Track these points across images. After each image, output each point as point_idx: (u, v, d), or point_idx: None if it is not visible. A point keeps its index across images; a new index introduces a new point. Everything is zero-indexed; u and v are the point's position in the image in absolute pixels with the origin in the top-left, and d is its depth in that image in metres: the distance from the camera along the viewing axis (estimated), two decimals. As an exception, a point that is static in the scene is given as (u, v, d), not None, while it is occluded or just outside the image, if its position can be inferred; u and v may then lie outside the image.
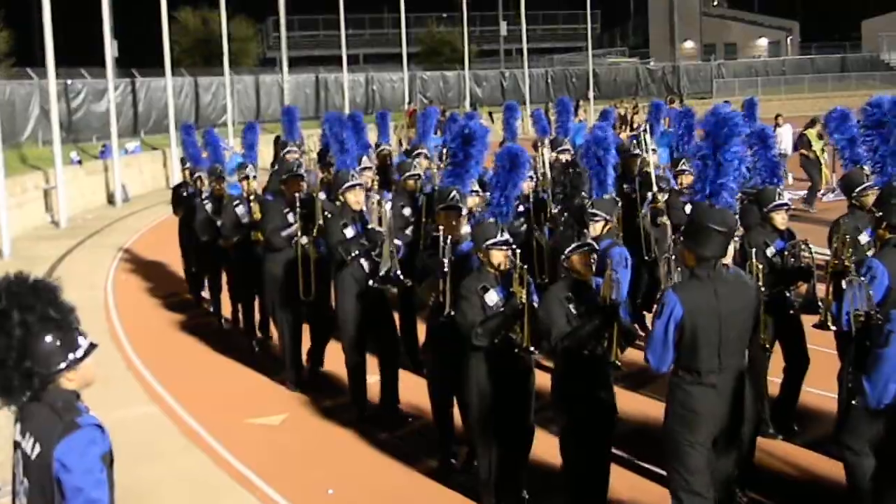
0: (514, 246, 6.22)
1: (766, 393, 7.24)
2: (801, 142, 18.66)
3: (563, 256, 5.78)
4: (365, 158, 10.37)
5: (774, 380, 7.39)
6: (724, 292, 5.16)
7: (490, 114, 35.25)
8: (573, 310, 5.65)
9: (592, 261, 5.76)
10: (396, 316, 9.42)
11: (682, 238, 5.34)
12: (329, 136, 8.84)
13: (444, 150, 9.77)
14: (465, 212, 7.31)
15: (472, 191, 8.32)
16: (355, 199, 8.12)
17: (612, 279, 5.54)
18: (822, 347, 7.58)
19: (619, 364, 5.61)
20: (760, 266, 6.61)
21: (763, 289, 6.68)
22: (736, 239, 6.57)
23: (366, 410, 8.21)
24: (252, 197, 10.06)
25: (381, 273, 7.55)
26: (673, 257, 5.64)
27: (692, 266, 5.24)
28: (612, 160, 7.75)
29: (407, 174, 9.75)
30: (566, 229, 5.94)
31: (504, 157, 6.55)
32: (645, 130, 10.90)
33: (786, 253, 7.13)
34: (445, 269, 6.63)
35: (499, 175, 6.56)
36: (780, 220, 7.29)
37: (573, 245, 5.76)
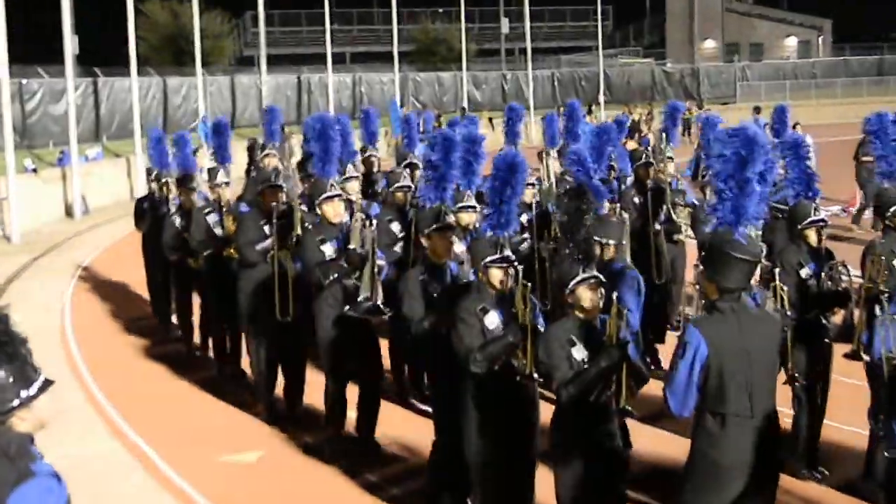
0: (515, 263, 6.21)
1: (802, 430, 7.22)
2: (862, 149, 18.53)
3: (568, 290, 5.74)
4: (350, 167, 10.36)
5: (782, 409, 7.34)
6: (749, 327, 5.14)
7: (490, 120, 35.37)
8: (576, 354, 5.61)
9: (600, 295, 5.72)
10: (385, 342, 9.42)
11: (701, 268, 5.34)
12: (312, 140, 8.78)
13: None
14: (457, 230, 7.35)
15: (469, 206, 8.34)
16: (334, 211, 8.07)
17: (620, 316, 5.53)
18: (845, 377, 7.59)
19: (631, 410, 5.56)
20: (785, 289, 6.59)
21: (792, 313, 6.68)
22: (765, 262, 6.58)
23: (342, 445, 8.17)
24: (225, 208, 10.01)
25: (360, 299, 7.50)
26: (696, 287, 5.61)
27: (714, 298, 5.22)
28: (598, 172, 7.86)
29: (396, 185, 9.71)
30: (571, 259, 5.94)
31: (500, 163, 6.55)
32: (662, 134, 10.92)
33: (822, 275, 7.15)
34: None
35: (495, 184, 6.55)
36: (815, 238, 7.31)
37: (578, 277, 5.71)
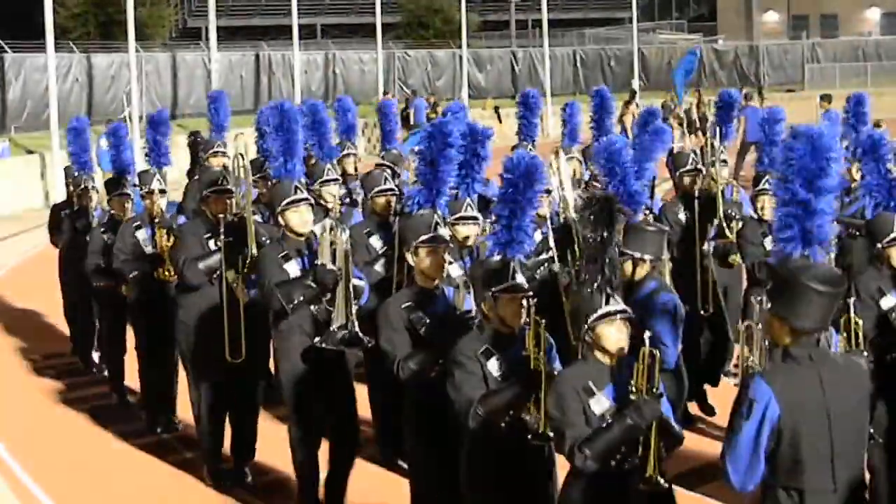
0: (530, 293, 6.22)
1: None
2: None
3: (587, 326, 5.73)
4: (329, 168, 10.37)
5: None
6: (832, 380, 5.10)
7: (497, 109, 35.55)
8: (594, 407, 5.61)
9: (628, 334, 5.70)
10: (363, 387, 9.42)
11: (768, 304, 5.26)
12: (270, 134, 8.78)
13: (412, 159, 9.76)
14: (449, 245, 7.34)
15: (468, 217, 8.35)
16: (300, 220, 8.00)
17: (650, 360, 5.50)
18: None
19: (660, 480, 5.53)
20: (859, 322, 6.62)
21: (869, 354, 6.70)
22: None
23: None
24: (158, 221, 9.99)
25: (333, 328, 7.49)
26: (758, 325, 5.54)
27: (785, 344, 5.17)
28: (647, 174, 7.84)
29: (376, 189, 9.68)
30: (591, 287, 5.85)
31: (512, 168, 6.56)
32: (715, 130, 10.92)
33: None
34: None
35: (506, 194, 6.56)
36: None
37: (601, 311, 5.69)
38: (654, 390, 5.51)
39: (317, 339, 7.60)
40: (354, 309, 7.50)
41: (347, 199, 11.21)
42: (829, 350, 5.29)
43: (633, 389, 5.53)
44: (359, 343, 7.44)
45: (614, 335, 5.68)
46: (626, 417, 5.47)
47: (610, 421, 5.53)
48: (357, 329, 7.38)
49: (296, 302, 7.72)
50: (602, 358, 5.72)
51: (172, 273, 9.53)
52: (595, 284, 5.82)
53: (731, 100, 12.30)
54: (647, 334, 5.61)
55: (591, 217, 5.96)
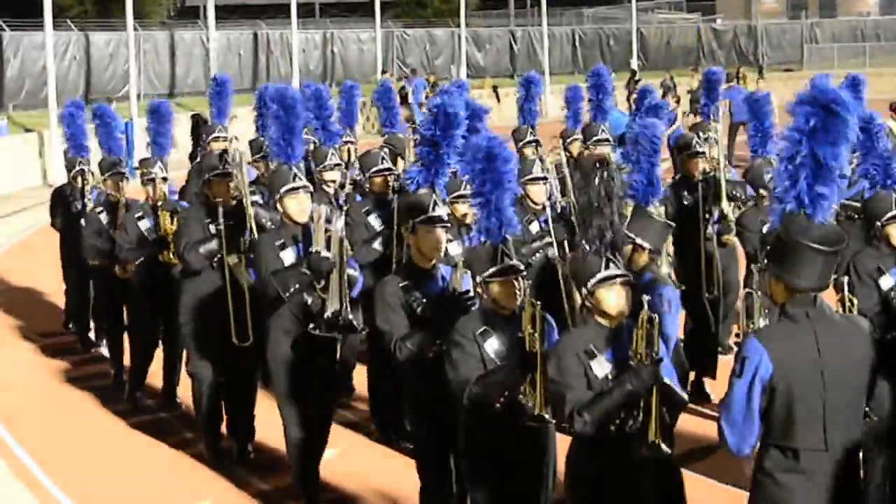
0: (524, 274, 6.23)
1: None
2: None
3: (586, 291, 5.74)
4: (332, 153, 10.37)
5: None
6: (829, 340, 5.11)
7: (495, 89, 35.47)
8: (596, 370, 5.62)
9: (628, 298, 5.72)
10: (364, 368, 9.47)
11: (766, 262, 5.28)
12: (271, 117, 8.76)
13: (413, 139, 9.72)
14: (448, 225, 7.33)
15: (467, 195, 8.33)
16: (299, 207, 7.95)
17: (649, 325, 5.51)
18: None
19: (662, 446, 5.55)
20: (855, 301, 6.63)
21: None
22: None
23: (314, 500, 8.20)
24: (160, 203, 10.00)
25: (328, 315, 7.47)
26: (758, 293, 5.55)
27: (782, 302, 5.18)
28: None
29: (374, 169, 9.70)
30: (590, 252, 5.85)
31: (475, 153, 6.48)
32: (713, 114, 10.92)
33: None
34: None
35: (477, 179, 6.48)
36: None
37: (601, 275, 5.71)
38: (654, 355, 5.51)
39: (310, 325, 7.61)
40: (348, 296, 7.50)
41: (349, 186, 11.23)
42: (828, 309, 5.22)
43: (633, 354, 5.54)
44: (352, 330, 7.47)
45: (614, 299, 5.69)
46: (626, 382, 5.48)
47: (610, 385, 5.54)
48: (350, 316, 7.38)
49: (291, 290, 7.71)
50: (603, 321, 5.73)
51: (174, 257, 9.55)
52: (594, 247, 5.81)
53: (716, 78, 12.35)
54: (645, 298, 5.61)
55: (589, 180, 5.94)
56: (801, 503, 5.08)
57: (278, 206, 8.05)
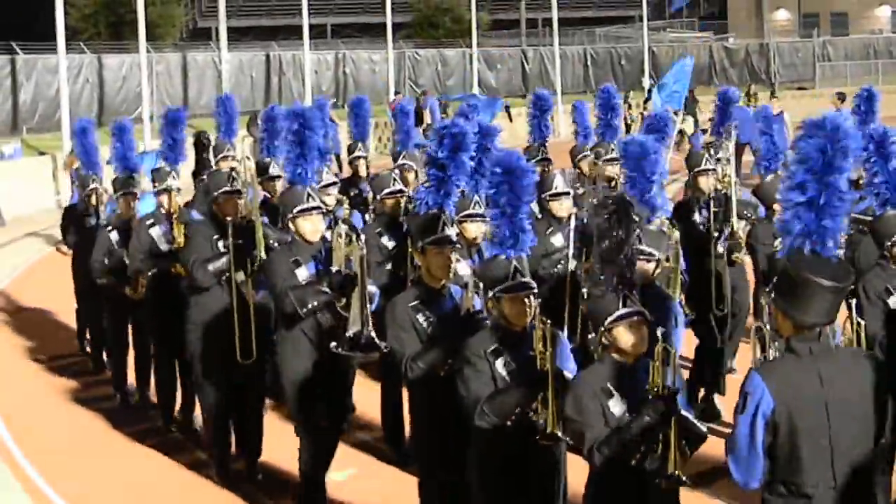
0: (535, 292, 6.24)
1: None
2: None
3: (604, 328, 5.75)
4: (326, 171, 10.40)
5: None
6: (832, 373, 5.08)
7: (507, 108, 35.47)
8: (613, 408, 5.62)
9: (644, 336, 5.71)
10: (378, 386, 9.45)
11: (773, 296, 5.26)
12: (285, 137, 8.78)
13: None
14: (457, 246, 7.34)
15: (476, 215, 8.39)
16: (312, 228, 8.01)
17: (668, 359, 5.50)
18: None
19: (681, 477, 5.53)
20: (862, 322, 6.60)
21: (880, 353, 6.68)
22: None
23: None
24: (176, 215, 10.01)
25: (350, 334, 7.42)
26: (768, 327, 5.47)
27: (787, 336, 5.17)
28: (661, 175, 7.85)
29: (386, 191, 9.75)
30: (607, 289, 5.84)
31: (498, 167, 6.57)
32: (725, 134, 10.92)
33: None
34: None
35: (496, 194, 6.57)
36: None
37: (618, 313, 5.70)
38: (672, 387, 5.50)
39: (332, 343, 7.53)
40: (370, 315, 7.50)
41: (359, 200, 11.25)
42: (833, 344, 5.22)
43: (650, 387, 5.53)
44: (375, 349, 7.40)
45: (631, 336, 5.69)
46: (644, 415, 5.47)
47: (628, 420, 5.54)
48: (373, 334, 7.37)
49: (309, 307, 7.73)
50: (619, 359, 5.73)
51: (181, 269, 9.54)
52: (611, 286, 5.82)
53: (729, 98, 12.35)
54: (660, 331, 5.59)
55: (608, 217, 5.94)
56: None
57: (291, 225, 8.08)
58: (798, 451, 5.03)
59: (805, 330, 5.10)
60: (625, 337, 5.70)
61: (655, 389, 5.51)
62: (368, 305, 7.43)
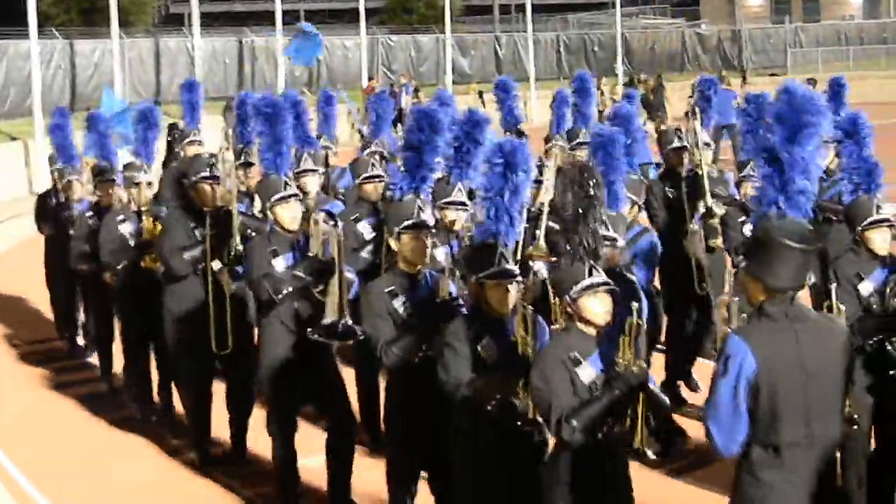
0: (517, 278, 6.25)
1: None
2: None
3: (569, 299, 5.75)
4: (307, 158, 10.41)
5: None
6: (808, 338, 5.15)
7: (481, 95, 35.42)
8: (582, 376, 5.64)
9: (609, 306, 5.71)
10: (351, 373, 9.48)
11: (744, 262, 5.31)
12: (258, 124, 8.80)
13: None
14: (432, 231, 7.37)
15: (457, 203, 8.41)
16: (291, 216, 8.02)
17: (637, 333, 5.54)
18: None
19: (648, 452, 5.58)
20: (842, 308, 6.68)
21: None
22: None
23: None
24: (144, 208, 10.00)
25: (326, 322, 7.44)
26: (736, 299, 5.53)
27: (760, 301, 5.22)
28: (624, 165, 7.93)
29: (364, 176, 9.77)
30: (572, 258, 5.85)
31: (498, 153, 6.59)
32: (691, 114, 11.00)
33: (888, 289, 7.16)
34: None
35: (492, 179, 6.59)
36: (879, 241, 7.32)
37: (584, 283, 5.69)
38: (640, 361, 5.54)
39: (309, 330, 7.56)
40: (348, 301, 7.49)
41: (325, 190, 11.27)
42: (806, 308, 5.29)
43: (620, 360, 5.55)
44: (353, 335, 7.43)
45: (598, 307, 5.70)
46: (614, 388, 5.51)
47: (597, 392, 5.57)
48: (350, 321, 7.37)
49: (284, 292, 7.75)
50: (585, 329, 5.75)
51: (153, 260, 9.58)
52: (575, 255, 5.81)
53: (713, 86, 12.43)
54: (634, 305, 5.62)
55: (568, 187, 5.94)
56: (781, 499, 5.12)
57: (269, 214, 8.10)
58: (777, 413, 5.08)
59: (777, 293, 5.16)
60: (591, 307, 5.69)
61: (626, 362, 5.55)
62: (347, 292, 7.46)
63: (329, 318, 7.40)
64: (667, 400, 5.80)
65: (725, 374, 5.08)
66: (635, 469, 6.06)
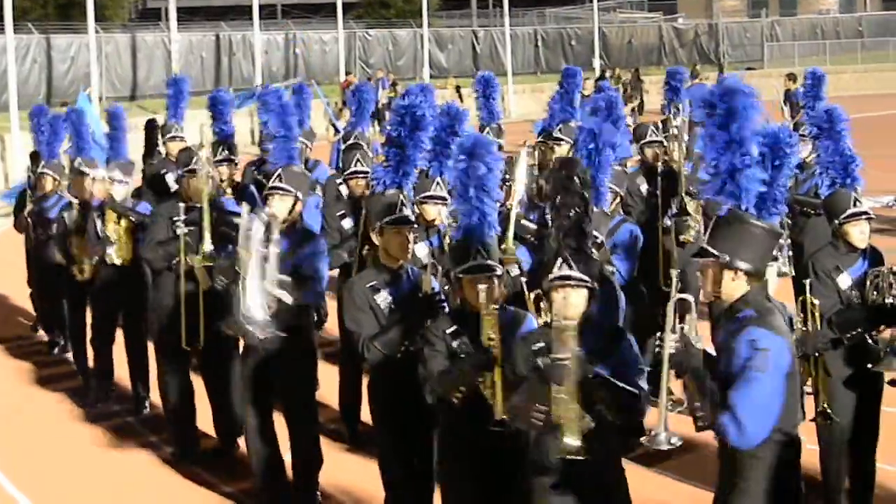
0: (499, 274, 6.21)
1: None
2: None
3: (542, 290, 5.73)
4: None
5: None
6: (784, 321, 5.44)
7: (458, 89, 35.46)
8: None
9: (575, 301, 5.61)
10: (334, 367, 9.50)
11: (715, 251, 5.28)
12: (270, 119, 8.81)
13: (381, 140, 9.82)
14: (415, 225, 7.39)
15: (437, 197, 8.43)
16: (282, 207, 7.96)
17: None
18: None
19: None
20: (817, 303, 6.68)
21: (826, 333, 6.83)
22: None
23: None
24: (107, 203, 10.00)
25: (241, 314, 7.22)
26: (692, 299, 5.28)
27: (745, 293, 5.26)
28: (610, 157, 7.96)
29: (349, 171, 9.79)
30: (549, 250, 5.82)
31: (459, 149, 6.61)
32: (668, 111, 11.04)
33: (867, 282, 7.15)
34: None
35: (461, 176, 6.56)
36: (857, 235, 7.30)
37: (556, 273, 5.59)
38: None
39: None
40: (270, 297, 7.28)
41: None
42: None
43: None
44: (260, 331, 7.26)
45: (564, 302, 5.57)
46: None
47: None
48: (268, 317, 7.20)
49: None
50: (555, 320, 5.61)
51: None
52: (557, 243, 5.74)
53: (680, 77, 12.51)
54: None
55: (558, 178, 5.92)
56: (793, 481, 5.33)
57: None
58: (794, 398, 5.28)
59: (757, 280, 5.24)
60: (562, 301, 5.56)
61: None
62: (272, 289, 7.28)
63: (244, 308, 7.20)
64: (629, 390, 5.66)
65: (765, 369, 5.06)
66: (635, 469, 6.07)
